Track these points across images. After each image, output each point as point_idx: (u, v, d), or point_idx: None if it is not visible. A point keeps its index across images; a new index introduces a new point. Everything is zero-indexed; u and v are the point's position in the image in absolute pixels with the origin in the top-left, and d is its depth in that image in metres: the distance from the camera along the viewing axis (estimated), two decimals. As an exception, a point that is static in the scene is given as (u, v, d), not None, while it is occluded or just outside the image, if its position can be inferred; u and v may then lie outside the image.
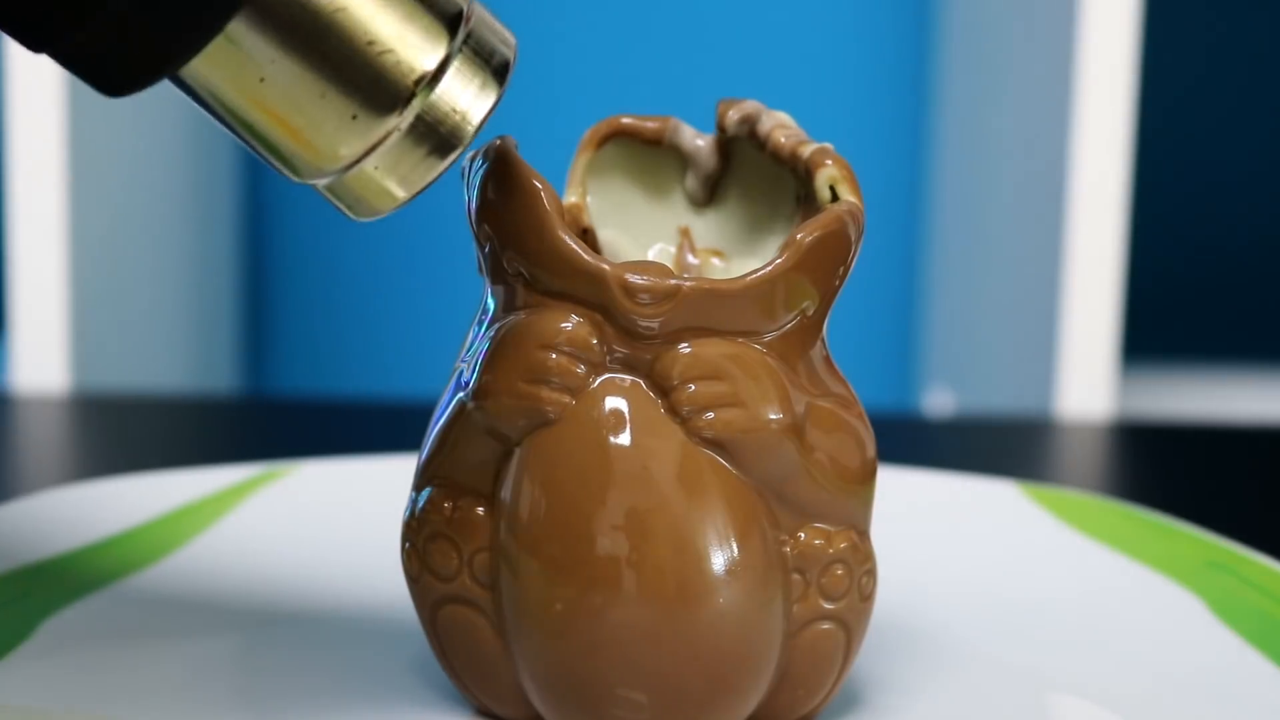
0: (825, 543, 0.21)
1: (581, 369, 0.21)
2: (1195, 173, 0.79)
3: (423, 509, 0.22)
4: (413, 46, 0.18)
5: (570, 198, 0.24)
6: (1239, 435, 0.54)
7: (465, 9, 0.19)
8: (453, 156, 0.19)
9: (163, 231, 0.71)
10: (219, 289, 0.81)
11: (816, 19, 0.84)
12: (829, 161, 0.22)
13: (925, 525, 0.32)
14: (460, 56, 0.19)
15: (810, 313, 0.21)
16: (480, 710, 0.23)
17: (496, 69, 0.19)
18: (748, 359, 0.21)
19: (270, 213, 0.86)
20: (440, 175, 0.19)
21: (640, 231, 0.25)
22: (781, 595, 0.21)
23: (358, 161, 0.18)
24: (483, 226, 0.22)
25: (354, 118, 0.18)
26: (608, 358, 0.21)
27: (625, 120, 0.25)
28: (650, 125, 0.25)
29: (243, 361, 0.86)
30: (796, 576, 0.21)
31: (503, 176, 0.21)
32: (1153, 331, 0.76)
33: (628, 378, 0.21)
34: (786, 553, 0.21)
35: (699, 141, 0.25)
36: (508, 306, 0.22)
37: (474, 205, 0.22)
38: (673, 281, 0.20)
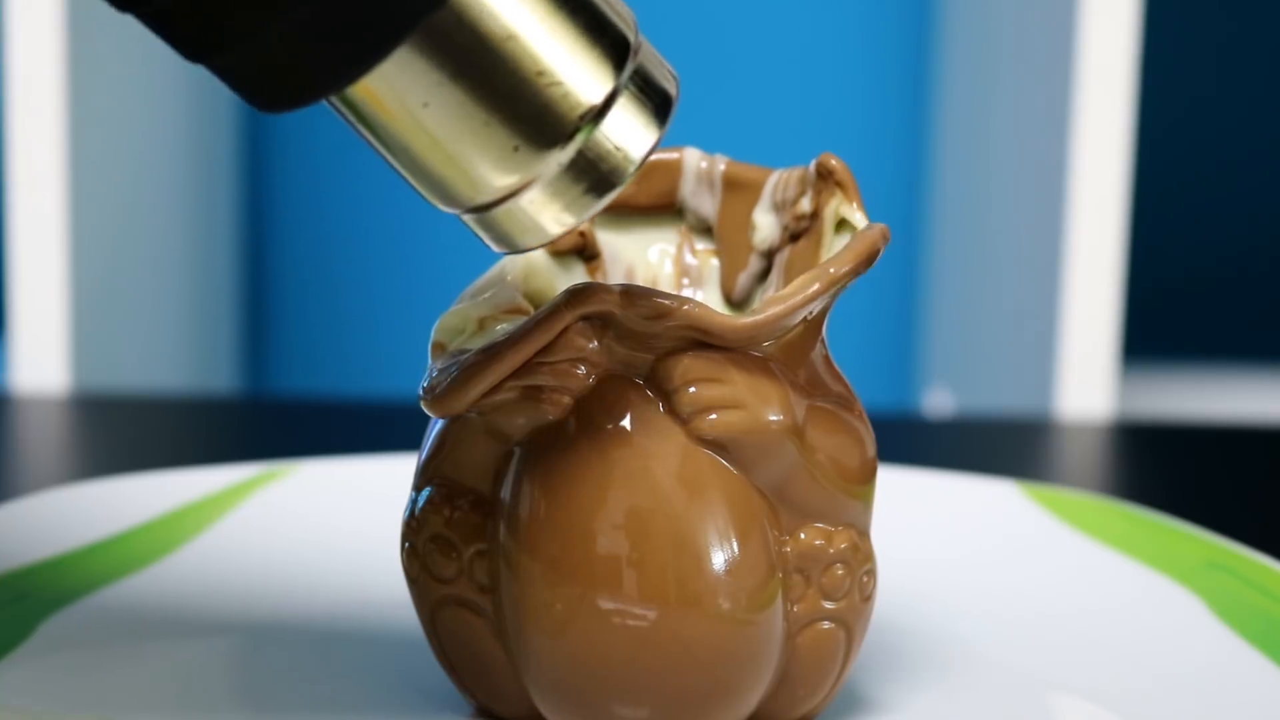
0: (826, 543, 0.21)
1: (582, 369, 0.21)
2: (1195, 173, 0.79)
3: (423, 509, 0.22)
4: (581, 79, 0.17)
5: None
6: (1239, 435, 0.54)
7: (633, 42, 0.18)
8: (611, 195, 0.18)
9: (163, 232, 0.71)
10: (219, 289, 0.81)
11: (817, 19, 0.84)
12: (836, 192, 0.22)
13: (925, 525, 0.32)
14: (626, 92, 0.18)
15: (812, 314, 0.21)
16: (480, 710, 0.23)
17: (660, 105, 0.18)
18: (748, 360, 0.21)
19: (270, 213, 0.86)
20: (593, 215, 0.18)
21: (640, 231, 0.25)
22: (782, 595, 0.21)
23: (513, 195, 0.18)
24: None
25: (515, 149, 0.17)
26: (608, 357, 0.21)
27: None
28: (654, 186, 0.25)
29: (243, 361, 0.86)
30: (797, 576, 0.21)
31: None
32: (1153, 331, 0.76)
33: (628, 379, 0.21)
34: (787, 552, 0.21)
35: (701, 190, 0.25)
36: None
37: None
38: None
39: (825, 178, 0.23)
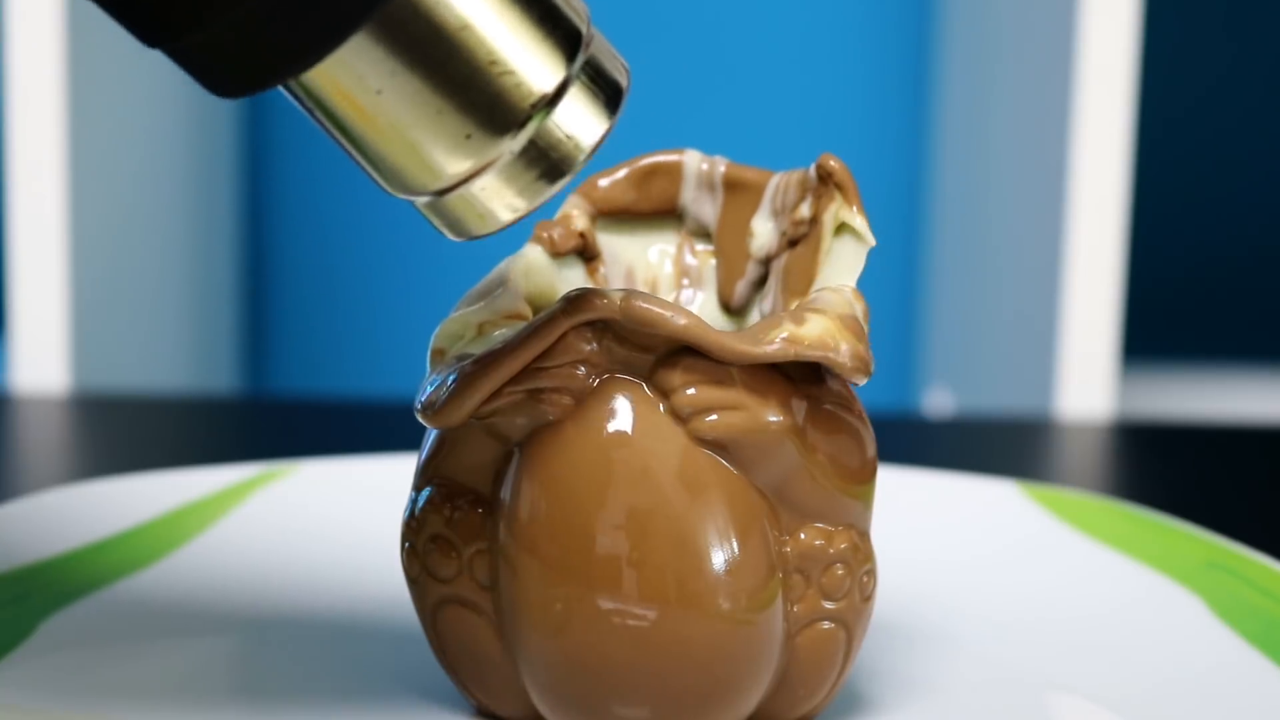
0: (826, 543, 0.21)
1: (581, 370, 0.21)
2: (1195, 173, 0.79)
3: (423, 509, 0.22)
4: (533, 68, 0.18)
5: (566, 207, 0.25)
6: (1239, 435, 0.54)
7: (585, 33, 0.18)
8: (561, 183, 0.18)
9: (163, 232, 0.71)
10: (219, 289, 0.81)
11: (817, 19, 0.84)
12: (835, 196, 0.22)
13: (925, 525, 0.32)
14: (578, 82, 0.18)
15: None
16: (480, 710, 0.23)
17: (611, 96, 0.19)
18: (748, 359, 0.21)
19: (270, 213, 0.86)
20: (544, 203, 0.19)
21: (639, 231, 0.25)
22: (782, 595, 0.21)
23: (465, 181, 0.18)
24: None
25: (468, 137, 0.18)
26: (608, 358, 0.21)
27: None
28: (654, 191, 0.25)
29: (243, 361, 0.86)
30: (797, 576, 0.21)
31: None
32: (1153, 331, 0.76)
33: (628, 379, 0.21)
34: (787, 553, 0.21)
35: (703, 195, 0.25)
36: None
37: None
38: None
39: (825, 181, 0.23)
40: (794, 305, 0.22)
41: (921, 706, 0.24)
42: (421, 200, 0.19)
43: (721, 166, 0.24)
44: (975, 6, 0.74)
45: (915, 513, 0.32)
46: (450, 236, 0.19)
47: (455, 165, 0.18)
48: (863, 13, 0.84)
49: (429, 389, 0.21)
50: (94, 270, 0.60)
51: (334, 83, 0.17)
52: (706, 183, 0.25)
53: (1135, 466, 0.50)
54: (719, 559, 0.20)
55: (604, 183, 0.25)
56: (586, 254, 0.25)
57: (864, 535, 0.22)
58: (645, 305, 0.20)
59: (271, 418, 0.55)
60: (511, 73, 0.18)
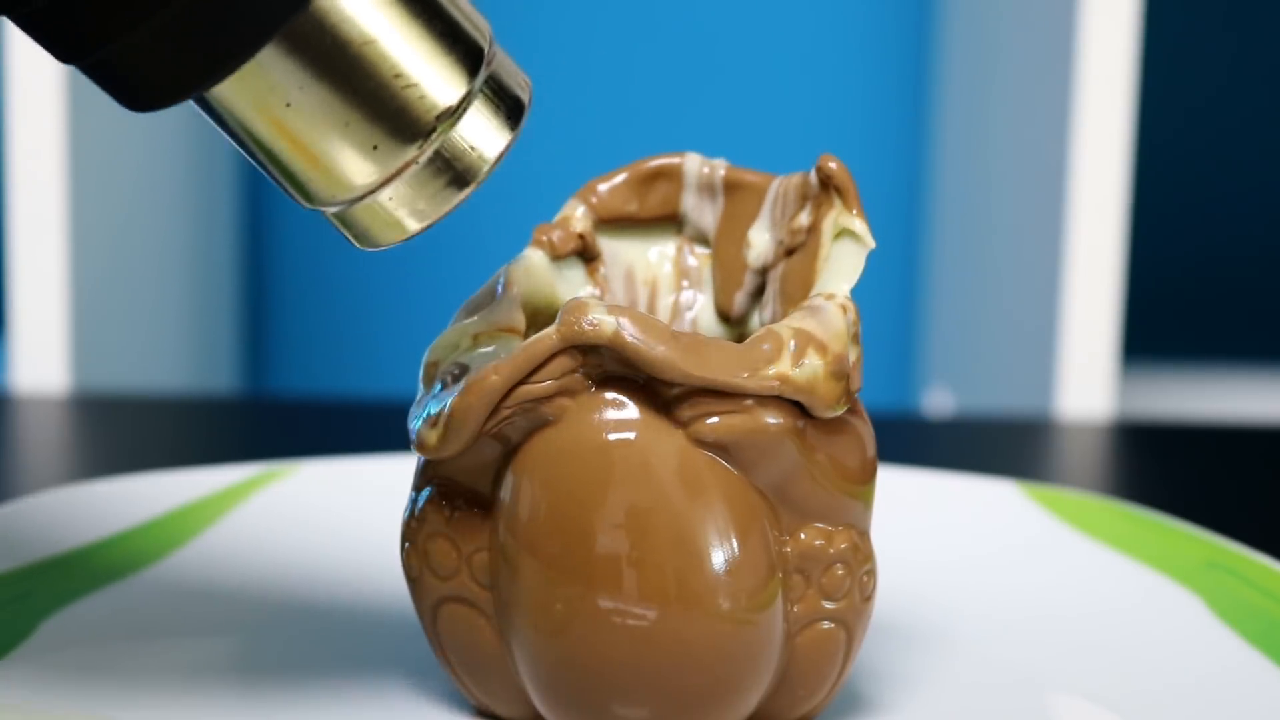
0: (826, 542, 0.21)
1: (580, 373, 0.21)
2: (1195, 173, 0.79)
3: (423, 509, 0.22)
4: (437, 82, 0.18)
5: (566, 210, 0.25)
6: (1239, 435, 0.54)
7: (487, 50, 0.19)
8: (465, 193, 0.19)
9: (163, 232, 0.71)
10: (219, 289, 0.81)
11: (817, 20, 0.84)
12: (835, 203, 0.22)
13: (925, 525, 0.32)
14: (480, 95, 0.19)
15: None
16: (480, 710, 0.23)
17: (512, 110, 0.19)
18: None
19: (270, 213, 0.86)
20: (450, 212, 0.19)
21: (639, 232, 0.25)
22: (782, 595, 0.21)
23: (373, 192, 0.19)
24: None
25: (375, 148, 0.18)
26: (603, 366, 0.21)
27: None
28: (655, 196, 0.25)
29: (243, 361, 0.86)
30: (797, 576, 0.21)
31: None
32: (1153, 331, 0.76)
33: (628, 379, 0.21)
34: (787, 553, 0.21)
35: (704, 202, 0.25)
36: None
37: None
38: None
39: (825, 187, 0.23)
40: (792, 313, 0.22)
41: (921, 706, 0.24)
42: (331, 210, 0.19)
43: (721, 170, 0.24)
44: (975, 6, 0.74)
45: (915, 513, 0.32)
46: (359, 246, 0.20)
47: (363, 176, 0.19)
48: (863, 13, 0.84)
49: (421, 417, 0.21)
50: (94, 270, 0.60)
51: (244, 95, 0.18)
52: (707, 186, 0.25)
53: (1135, 466, 0.50)
54: (719, 558, 0.20)
55: (604, 188, 0.25)
56: (586, 255, 0.25)
57: (864, 535, 0.22)
58: (635, 340, 0.20)
59: (271, 418, 0.55)
60: (415, 85, 0.18)
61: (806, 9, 0.84)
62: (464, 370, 0.21)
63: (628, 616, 0.21)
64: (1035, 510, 0.33)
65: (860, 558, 0.22)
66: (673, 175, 0.25)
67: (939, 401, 0.79)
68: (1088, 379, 0.57)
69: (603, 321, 0.20)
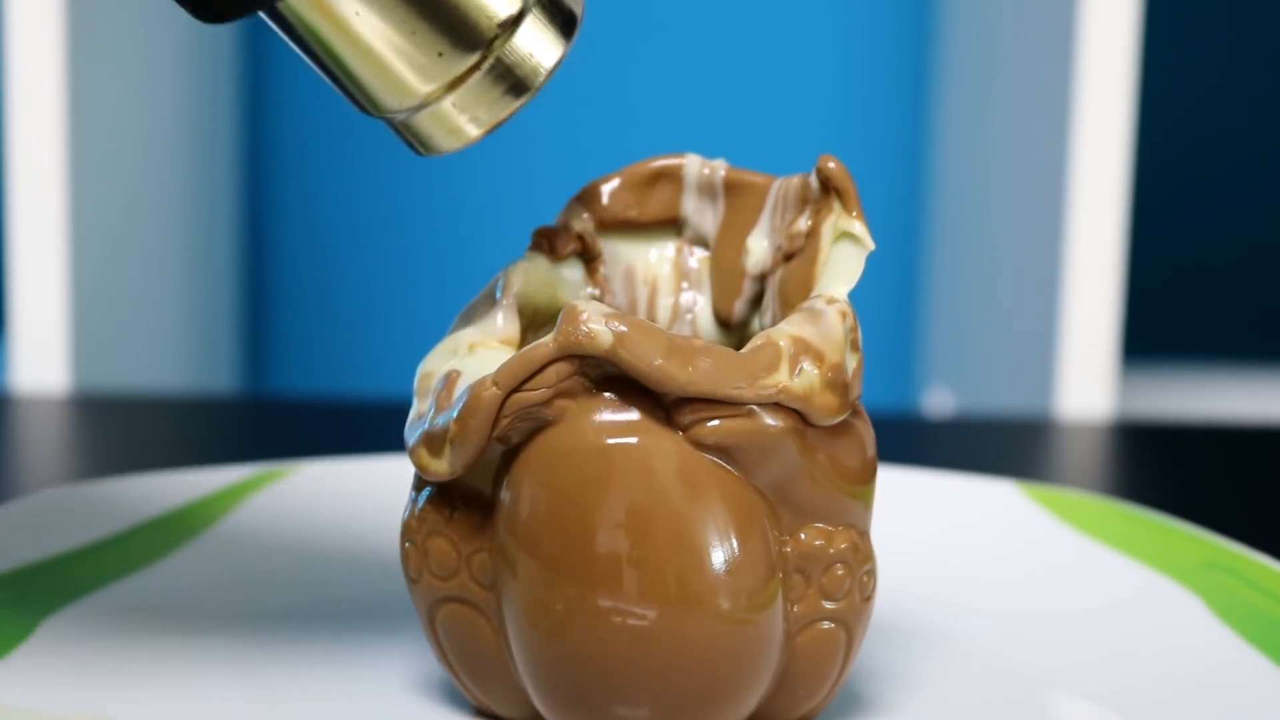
0: (826, 543, 0.21)
1: (580, 375, 0.21)
2: (1195, 173, 0.79)
3: (423, 509, 0.22)
4: None
5: (566, 214, 0.25)
6: (1239, 435, 0.54)
7: None
8: (523, 100, 0.20)
9: (163, 232, 0.71)
10: (219, 289, 0.81)
11: (817, 20, 0.84)
12: (834, 207, 0.22)
13: (925, 525, 0.32)
14: (537, 6, 0.20)
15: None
16: (480, 710, 0.23)
17: (566, 22, 0.21)
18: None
19: (270, 213, 0.86)
20: (508, 118, 0.20)
21: (640, 233, 0.25)
22: (782, 595, 0.21)
23: (437, 99, 0.20)
24: None
25: (440, 55, 0.20)
26: (602, 369, 0.21)
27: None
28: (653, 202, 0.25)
29: (243, 361, 0.86)
30: (797, 576, 0.21)
31: None
32: (1153, 331, 0.76)
33: (627, 379, 0.21)
34: (787, 553, 0.21)
35: (704, 205, 0.25)
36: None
37: None
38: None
39: (825, 189, 0.23)
40: (791, 315, 0.21)
41: (921, 706, 0.24)
42: (398, 118, 0.20)
43: (722, 171, 0.24)
44: (975, 7, 0.74)
45: (915, 513, 0.32)
46: (421, 153, 0.21)
47: (428, 83, 0.20)
48: (863, 13, 0.84)
49: (418, 437, 0.21)
50: (94, 270, 0.60)
51: (317, 6, 0.19)
52: (707, 187, 0.25)
53: (1135, 466, 0.50)
54: (719, 559, 0.20)
55: (605, 190, 0.25)
56: (586, 255, 0.25)
57: (864, 535, 0.22)
58: (632, 356, 0.20)
59: (271, 418, 0.55)
60: None
61: (806, 9, 0.84)
62: (455, 377, 0.21)
63: (628, 616, 0.21)
64: (1035, 510, 0.33)
65: (860, 558, 0.22)
66: (673, 176, 0.25)
67: (939, 401, 0.79)
68: (1087, 379, 0.57)
69: (600, 333, 0.20)
